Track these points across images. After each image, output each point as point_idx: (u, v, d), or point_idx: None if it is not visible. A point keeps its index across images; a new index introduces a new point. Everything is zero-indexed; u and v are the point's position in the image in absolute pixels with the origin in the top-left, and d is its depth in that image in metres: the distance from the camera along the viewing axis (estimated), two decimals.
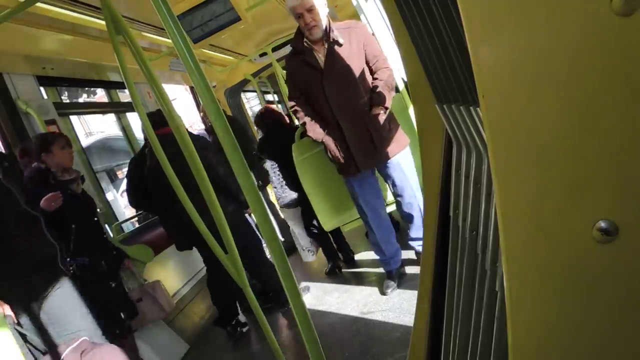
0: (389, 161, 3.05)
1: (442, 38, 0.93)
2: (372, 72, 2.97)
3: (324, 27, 2.89)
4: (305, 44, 2.96)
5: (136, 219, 5.53)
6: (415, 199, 3.13)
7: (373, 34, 3.16)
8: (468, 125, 0.92)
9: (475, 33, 0.51)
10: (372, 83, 2.94)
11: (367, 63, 2.97)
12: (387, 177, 3.16)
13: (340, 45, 2.92)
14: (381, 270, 3.45)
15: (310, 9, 2.82)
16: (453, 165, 1.17)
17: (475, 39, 0.51)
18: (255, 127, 5.33)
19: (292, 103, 3.13)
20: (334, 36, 2.90)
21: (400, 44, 1.29)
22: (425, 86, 1.18)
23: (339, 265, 4.19)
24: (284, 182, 4.04)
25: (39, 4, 2.66)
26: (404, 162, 3.07)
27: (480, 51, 0.51)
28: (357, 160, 3.00)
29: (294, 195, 4.01)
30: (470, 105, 0.87)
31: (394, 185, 3.14)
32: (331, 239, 4.21)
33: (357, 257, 4.30)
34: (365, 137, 2.95)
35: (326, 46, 2.94)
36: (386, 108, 2.91)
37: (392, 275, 3.29)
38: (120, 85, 4.91)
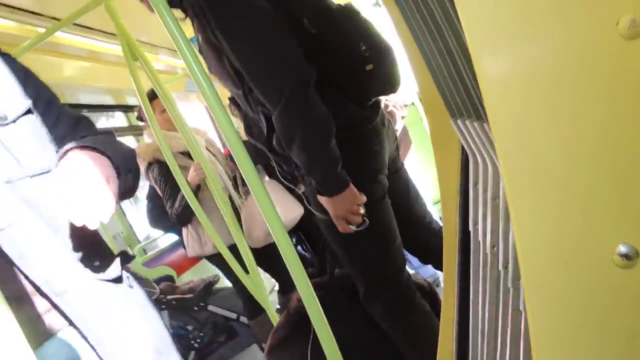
0: None
1: (451, 53, 0.92)
2: None
3: None
4: None
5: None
6: None
7: None
8: (483, 141, 0.91)
9: (478, 56, 0.50)
10: None
11: None
12: None
13: None
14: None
15: None
16: (470, 178, 1.15)
17: (478, 63, 0.50)
18: None
19: None
20: None
21: (410, 58, 1.28)
22: (438, 100, 1.17)
23: None
24: None
25: (57, 34, 2.73)
26: None
27: (484, 74, 0.50)
28: None
29: None
30: (484, 122, 0.85)
31: None
32: None
33: None
34: None
35: None
36: None
37: None
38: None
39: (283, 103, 1.42)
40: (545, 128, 0.46)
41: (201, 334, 3.52)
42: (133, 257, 1.31)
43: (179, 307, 3.42)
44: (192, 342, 3.48)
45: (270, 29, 1.43)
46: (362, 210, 1.53)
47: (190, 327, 3.50)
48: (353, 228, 1.55)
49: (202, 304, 3.49)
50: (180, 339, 3.44)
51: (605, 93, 0.43)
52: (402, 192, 1.92)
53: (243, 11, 1.42)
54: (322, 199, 1.54)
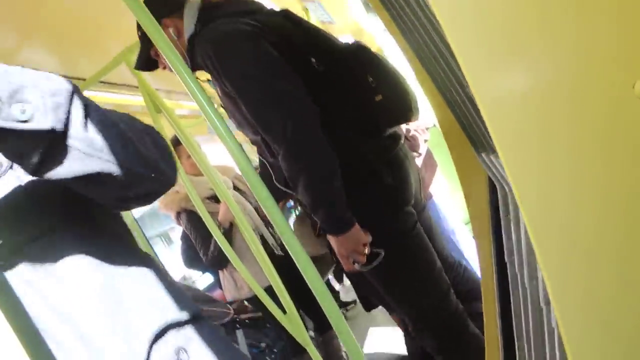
0: None
1: (464, 88, 0.90)
2: None
3: None
4: None
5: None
6: None
7: None
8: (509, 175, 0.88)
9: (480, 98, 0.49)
10: None
11: None
12: None
13: None
14: None
15: None
16: (501, 209, 1.11)
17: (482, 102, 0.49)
18: None
19: None
20: None
21: (426, 92, 1.27)
22: (459, 131, 1.15)
23: None
24: None
25: (85, 92, 2.84)
26: None
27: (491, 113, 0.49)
28: None
29: None
30: None
31: None
32: None
33: None
34: None
35: None
36: None
37: None
38: None
39: (286, 145, 1.42)
40: (550, 168, 0.45)
41: (275, 350, 3.54)
42: None
43: (252, 325, 3.47)
44: (267, 358, 3.51)
45: (272, 71, 1.44)
46: (367, 251, 1.52)
47: (263, 345, 3.55)
48: (357, 267, 1.55)
49: (273, 321, 3.55)
50: (255, 357, 3.47)
51: (620, 155, 0.41)
52: (425, 230, 1.88)
53: (246, 56, 1.45)
54: (328, 237, 1.54)
